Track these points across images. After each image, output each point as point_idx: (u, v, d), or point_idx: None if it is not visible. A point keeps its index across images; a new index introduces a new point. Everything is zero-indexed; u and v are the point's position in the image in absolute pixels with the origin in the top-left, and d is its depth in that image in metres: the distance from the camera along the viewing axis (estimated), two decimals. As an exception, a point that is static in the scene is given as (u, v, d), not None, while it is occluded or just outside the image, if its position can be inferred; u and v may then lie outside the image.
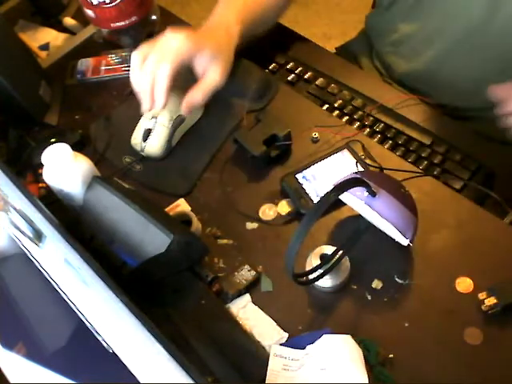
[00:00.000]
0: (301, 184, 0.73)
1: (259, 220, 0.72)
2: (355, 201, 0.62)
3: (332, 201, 0.55)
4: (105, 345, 0.47)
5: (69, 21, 0.99)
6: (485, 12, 0.80)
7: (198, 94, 0.74)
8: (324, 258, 0.64)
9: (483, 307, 0.61)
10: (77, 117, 0.87)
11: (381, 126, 0.84)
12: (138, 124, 0.80)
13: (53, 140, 0.79)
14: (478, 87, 0.88)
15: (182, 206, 0.74)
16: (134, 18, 0.88)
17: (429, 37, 0.89)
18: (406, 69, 0.95)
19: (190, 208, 0.74)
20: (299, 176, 0.74)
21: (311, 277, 0.63)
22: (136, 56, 0.74)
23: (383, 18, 0.96)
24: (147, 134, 0.78)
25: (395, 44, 0.95)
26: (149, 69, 0.72)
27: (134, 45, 0.92)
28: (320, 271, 0.63)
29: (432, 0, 0.86)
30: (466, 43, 0.85)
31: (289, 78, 0.91)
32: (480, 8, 0.80)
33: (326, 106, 0.88)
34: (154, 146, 0.78)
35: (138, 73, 0.73)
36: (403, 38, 0.93)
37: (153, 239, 0.61)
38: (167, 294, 0.66)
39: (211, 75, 0.74)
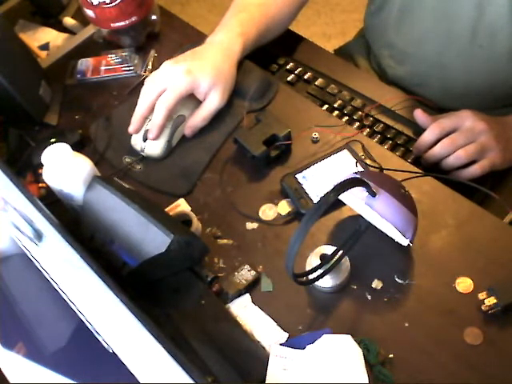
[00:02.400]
0: (301, 184, 0.73)
1: (259, 220, 0.72)
2: (355, 201, 0.62)
3: (332, 201, 0.55)
4: (105, 345, 0.47)
5: (69, 21, 0.99)
6: (473, 12, 0.80)
7: (198, 120, 0.80)
8: (324, 258, 0.64)
9: (483, 307, 0.61)
10: (77, 117, 0.86)
11: (381, 127, 0.84)
12: (138, 124, 0.80)
13: (53, 140, 0.79)
14: (468, 88, 0.88)
15: (181, 205, 0.74)
16: (134, 18, 0.88)
17: (418, 39, 0.89)
18: (399, 71, 0.94)
19: (190, 208, 0.74)
20: (299, 176, 0.74)
21: (311, 277, 0.63)
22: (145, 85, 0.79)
23: (376, 19, 0.96)
24: (147, 134, 0.78)
25: (388, 46, 0.95)
26: (149, 98, 0.77)
27: (134, 45, 0.92)
28: (320, 271, 0.63)
29: (420, 1, 0.85)
30: (455, 44, 0.84)
31: (288, 79, 0.91)
32: (468, 7, 0.80)
33: (326, 106, 0.88)
34: (154, 146, 0.78)
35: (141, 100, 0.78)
36: (394, 39, 0.93)
37: (153, 239, 0.61)
38: (167, 294, 0.66)
39: (211, 100, 0.79)
